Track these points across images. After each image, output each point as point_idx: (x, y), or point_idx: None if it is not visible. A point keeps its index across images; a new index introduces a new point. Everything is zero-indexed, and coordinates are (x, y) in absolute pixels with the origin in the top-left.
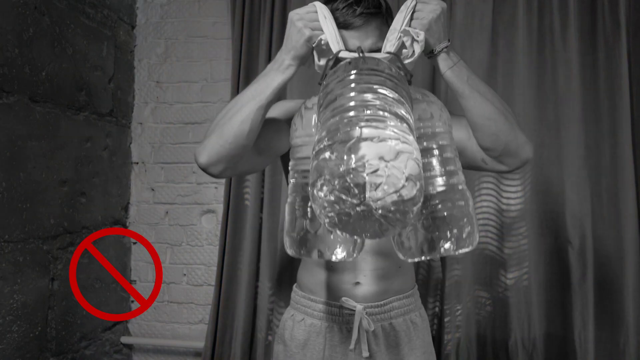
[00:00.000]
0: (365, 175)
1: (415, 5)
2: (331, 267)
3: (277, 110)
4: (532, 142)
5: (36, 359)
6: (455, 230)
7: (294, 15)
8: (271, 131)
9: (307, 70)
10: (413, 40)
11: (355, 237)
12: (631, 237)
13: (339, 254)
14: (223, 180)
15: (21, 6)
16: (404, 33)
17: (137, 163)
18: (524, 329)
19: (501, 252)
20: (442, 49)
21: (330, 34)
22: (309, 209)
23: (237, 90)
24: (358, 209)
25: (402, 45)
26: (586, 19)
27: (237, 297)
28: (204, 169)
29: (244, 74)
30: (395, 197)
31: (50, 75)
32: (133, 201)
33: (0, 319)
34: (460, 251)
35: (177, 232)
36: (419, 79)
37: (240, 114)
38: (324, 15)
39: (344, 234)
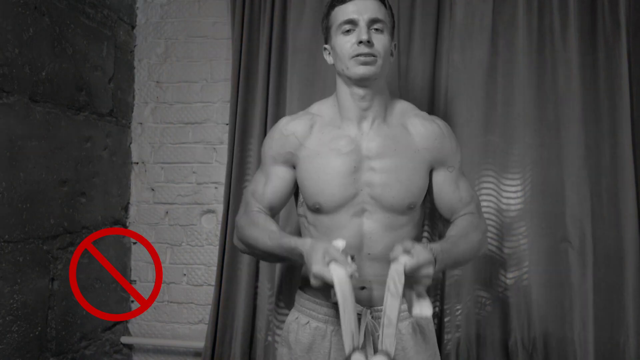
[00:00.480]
0: None
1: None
2: None
3: (275, 162)
4: (487, 242)
5: (36, 359)
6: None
7: (314, 282)
8: (285, 197)
9: (307, 70)
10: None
11: None
12: (631, 237)
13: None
14: (223, 180)
15: (21, 6)
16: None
17: (137, 163)
18: (524, 329)
19: (501, 252)
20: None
21: (346, 329)
22: None
23: (237, 90)
24: None
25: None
26: (586, 19)
27: (237, 297)
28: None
29: (244, 74)
30: None
31: (50, 75)
32: (133, 201)
33: (0, 319)
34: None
35: (177, 232)
36: (419, 79)
37: (269, 259)
38: (343, 308)
39: None
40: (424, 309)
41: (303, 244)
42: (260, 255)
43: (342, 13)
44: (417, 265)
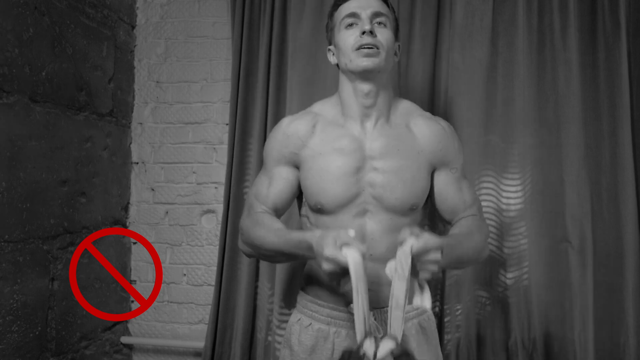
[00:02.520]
0: None
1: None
2: None
3: (278, 163)
4: (488, 248)
5: (36, 359)
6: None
7: (326, 266)
8: (289, 198)
9: (307, 70)
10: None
11: None
12: (631, 237)
13: None
14: (223, 180)
15: (21, 6)
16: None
17: (137, 163)
18: (524, 329)
19: (501, 252)
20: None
21: (358, 314)
22: None
23: (237, 90)
24: None
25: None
26: (586, 19)
27: (237, 297)
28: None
29: (244, 74)
30: None
31: (50, 75)
32: (133, 201)
33: (0, 319)
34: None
35: (177, 232)
36: (419, 79)
37: (276, 258)
38: (357, 290)
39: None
40: (425, 300)
41: (312, 236)
42: (267, 255)
43: (345, 9)
44: (424, 248)
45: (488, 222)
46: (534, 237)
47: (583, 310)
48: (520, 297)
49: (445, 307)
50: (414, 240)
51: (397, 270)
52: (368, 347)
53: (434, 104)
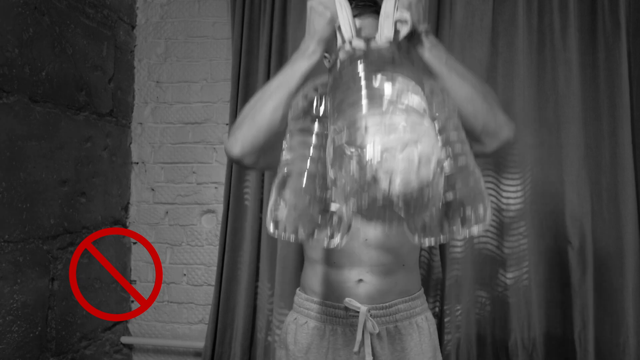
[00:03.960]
0: (380, 169)
1: None
2: (334, 264)
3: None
4: (514, 123)
5: (36, 359)
6: (468, 210)
7: (313, 1)
8: None
9: None
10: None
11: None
12: (631, 237)
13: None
14: (223, 180)
15: (21, 6)
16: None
17: (137, 163)
18: (524, 329)
19: (501, 252)
20: (422, 31)
21: (344, 21)
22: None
23: (237, 90)
24: (379, 204)
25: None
26: (586, 19)
27: (237, 297)
28: (239, 161)
29: (244, 74)
30: (414, 184)
31: (50, 75)
32: (133, 201)
33: (0, 319)
34: (473, 229)
35: (177, 232)
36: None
37: (271, 102)
38: (340, 4)
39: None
40: (385, 30)
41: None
42: (265, 117)
43: None
44: None
45: None
46: (534, 237)
47: (583, 310)
48: (520, 297)
49: (445, 307)
50: None
51: None
52: (357, 43)
53: None
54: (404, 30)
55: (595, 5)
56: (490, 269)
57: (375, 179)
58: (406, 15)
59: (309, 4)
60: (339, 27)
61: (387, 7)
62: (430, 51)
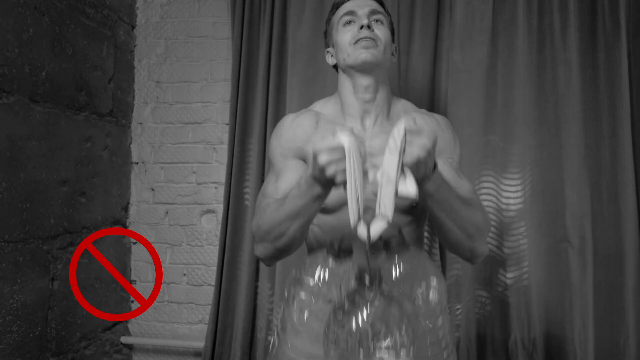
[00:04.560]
0: None
1: (405, 135)
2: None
3: (289, 159)
4: (487, 248)
5: (36, 359)
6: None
7: (321, 158)
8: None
9: (307, 70)
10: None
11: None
12: (631, 237)
13: None
14: (223, 180)
15: (21, 6)
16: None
17: (137, 163)
18: (524, 329)
19: (501, 252)
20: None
21: (351, 201)
22: None
23: (237, 90)
24: None
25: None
26: (586, 19)
27: (237, 297)
28: (259, 259)
29: (244, 74)
30: None
31: (50, 75)
32: (133, 201)
33: (0, 319)
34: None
35: (177, 232)
36: (419, 79)
37: (291, 230)
38: (350, 165)
39: None
40: (409, 186)
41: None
42: (281, 234)
43: (343, 8)
44: (418, 129)
45: None
46: (534, 237)
47: (583, 310)
48: (520, 296)
49: None
50: (409, 120)
51: (389, 145)
52: (361, 231)
53: (433, 104)
54: (412, 191)
55: (595, 5)
56: (490, 268)
57: None
58: (412, 191)
59: (312, 150)
60: (344, 185)
61: (388, 167)
62: (432, 198)
